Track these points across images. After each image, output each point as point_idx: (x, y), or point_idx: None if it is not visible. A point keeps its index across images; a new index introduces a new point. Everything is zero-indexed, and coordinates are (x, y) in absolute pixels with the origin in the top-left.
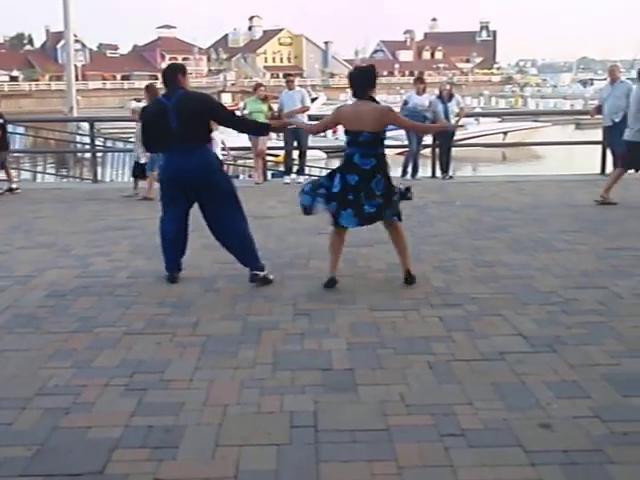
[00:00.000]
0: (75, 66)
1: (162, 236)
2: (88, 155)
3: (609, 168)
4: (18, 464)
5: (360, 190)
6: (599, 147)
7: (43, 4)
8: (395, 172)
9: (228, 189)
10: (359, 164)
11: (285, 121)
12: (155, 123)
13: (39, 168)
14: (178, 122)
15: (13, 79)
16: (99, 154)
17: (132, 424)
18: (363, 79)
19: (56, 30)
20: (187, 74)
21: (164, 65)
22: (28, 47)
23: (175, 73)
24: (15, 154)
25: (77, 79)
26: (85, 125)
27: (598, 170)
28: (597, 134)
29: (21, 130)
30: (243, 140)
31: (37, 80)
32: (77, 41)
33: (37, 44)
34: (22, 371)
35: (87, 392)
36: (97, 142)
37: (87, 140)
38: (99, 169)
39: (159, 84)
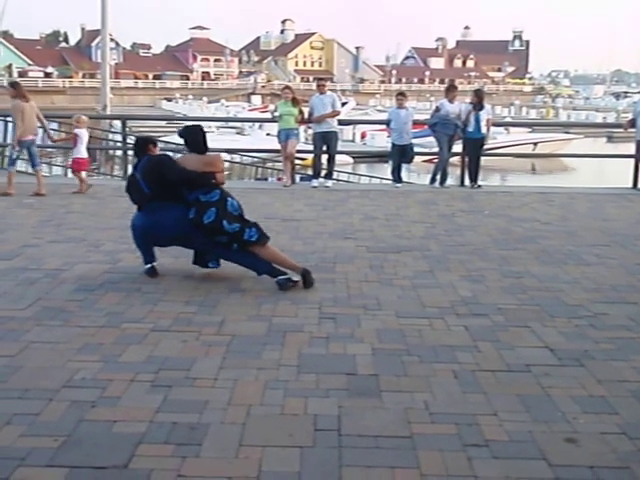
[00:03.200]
0: (109, 64)
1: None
2: (119, 152)
3: None
4: (45, 454)
5: (220, 220)
6: (631, 161)
7: (79, 3)
8: (424, 179)
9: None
10: (208, 200)
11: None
12: (132, 193)
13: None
14: (148, 187)
15: (47, 75)
16: (130, 152)
17: (157, 420)
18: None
19: (91, 28)
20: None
21: (196, 65)
22: (63, 44)
23: (145, 144)
24: (47, 149)
25: (110, 77)
26: (117, 123)
27: (630, 184)
28: (629, 147)
29: (54, 126)
30: (272, 143)
31: (71, 77)
32: (112, 40)
33: (72, 42)
34: (50, 363)
35: (113, 386)
36: (128, 140)
37: (119, 137)
38: (129, 166)
39: (190, 84)
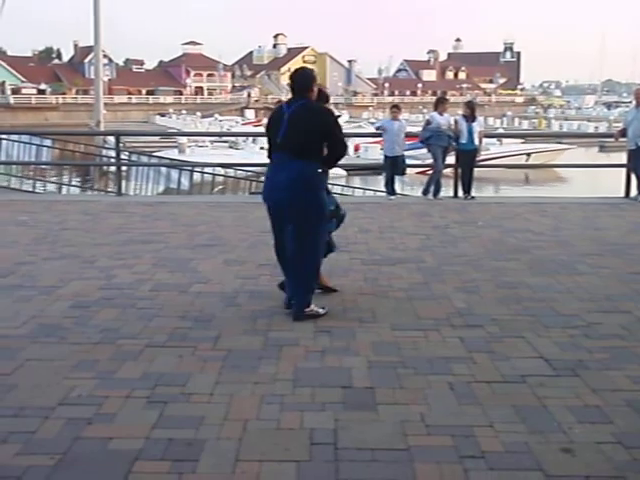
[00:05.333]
0: (102, 80)
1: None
2: (113, 168)
3: (633, 191)
4: (41, 473)
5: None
6: (623, 170)
7: (72, 20)
8: (418, 191)
9: (309, 217)
10: None
11: None
12: (269, 129)
13: (65, 180)
14: (286, 132)
15: (41, 92)
16: (124, 167)
17: (153, 436)
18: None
19: (84, 45)
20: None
21: (189, 80)
22: (56, 61)
23: (307, 83)
24: (42, 166)
25: (104, 93)
26: (111, 139)
27: (622, 193)
28: (621, 157)
29: (48, 143)
30: (266, 157)
31: (64, 94)
32: (105, 56)
33: (65, 58)
34: (45, 380)
35: (109, 403)
36: (122, 156)
37: (112, 153)
38: (123, 182)
39: (183, 99)
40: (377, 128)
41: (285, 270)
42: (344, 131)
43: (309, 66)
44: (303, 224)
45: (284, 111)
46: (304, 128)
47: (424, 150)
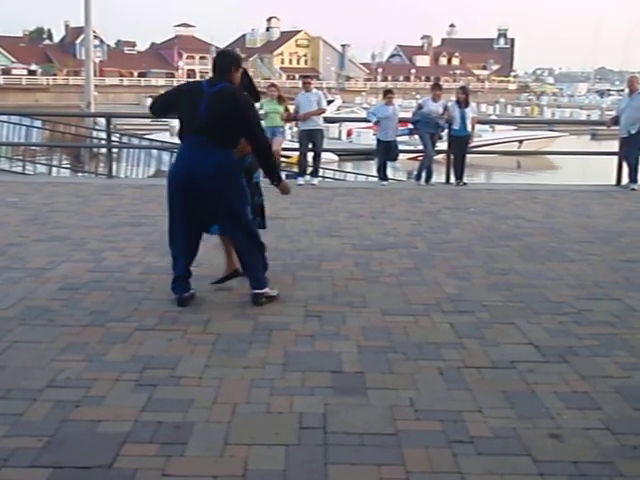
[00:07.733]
0: (93, 62)
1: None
2: (104, 150)
3: (625, 179)
4: (28, 455)
5: None
6: (615, 158)
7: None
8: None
9: (233, 205)
10: None
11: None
12: (180, 105)
13: (55, 162)
14: (208, 114)
15: (31, 73)
16: (114, 150)
17: (142, 419)
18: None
19: (75, 25)
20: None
21: (181, 63)
22: (47, 42)
23: (230, 64)
24: (32, 147)
25: (95, 75)
26: (102, 120)
27: (613, 181)
28: (613, 145)
29: (38, 124)
30: None
31: (55, 75)
32: (96, 37)
33: (56, 39)
34: (34, 363)
35: (98, 386)
36: (113, 138)
37: (103, 135)
38: (114, 164)
39: (175, 82)
40: (376, 120)
41: (183, 258)
42: (339, 115)
43: (302, 50)
44: (236, 211)
45: (204, 90)
46: (229, 114)
47: (415, 135)
